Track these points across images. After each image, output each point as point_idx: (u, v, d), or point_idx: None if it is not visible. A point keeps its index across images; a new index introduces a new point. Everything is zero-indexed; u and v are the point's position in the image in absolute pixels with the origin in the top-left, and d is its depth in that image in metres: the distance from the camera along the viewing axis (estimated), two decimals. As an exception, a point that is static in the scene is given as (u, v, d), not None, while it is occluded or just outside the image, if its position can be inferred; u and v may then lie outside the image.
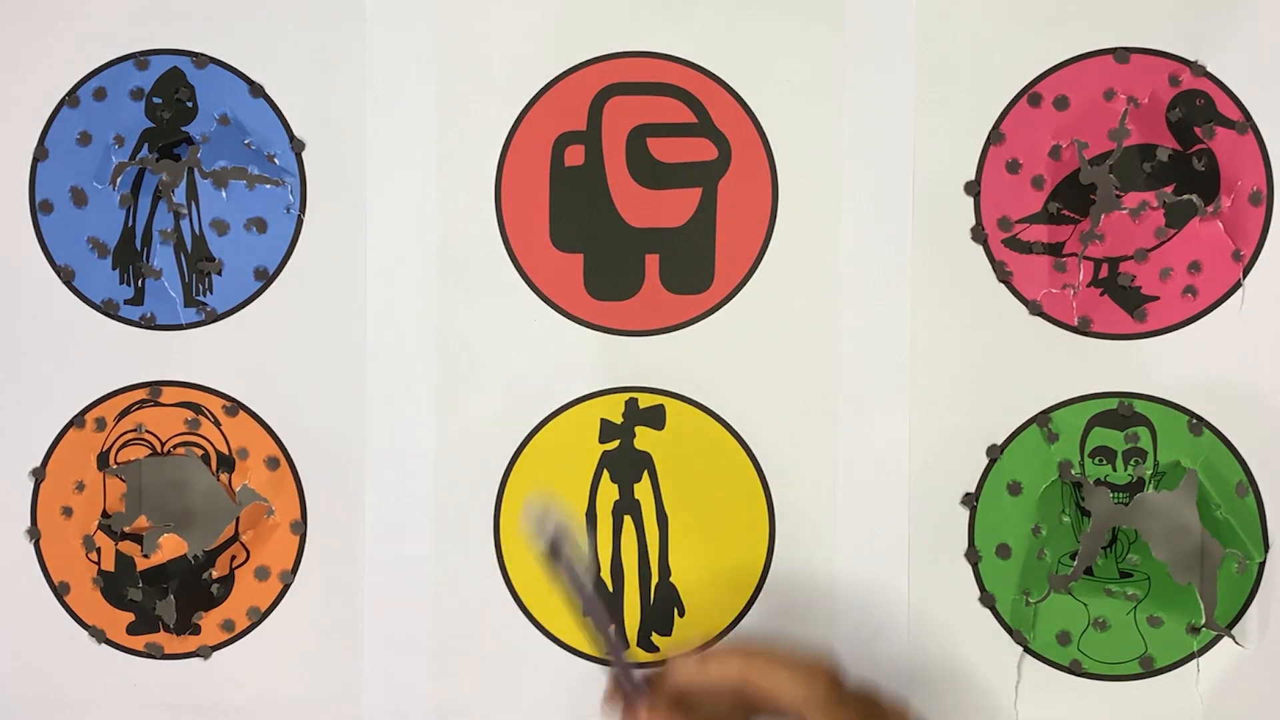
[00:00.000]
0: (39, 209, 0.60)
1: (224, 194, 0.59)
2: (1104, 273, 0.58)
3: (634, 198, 0.59)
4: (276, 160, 0.59)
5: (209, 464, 0.60)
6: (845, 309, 0.59)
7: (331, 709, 0.59)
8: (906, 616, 0.58)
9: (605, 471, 0.59)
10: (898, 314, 0.58)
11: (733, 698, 0.49)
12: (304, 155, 0.59)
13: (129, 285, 0.60)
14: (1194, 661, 0.58)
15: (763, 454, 0.59)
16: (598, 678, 0.59)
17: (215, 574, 0.60)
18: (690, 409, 0.59)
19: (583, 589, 0.49)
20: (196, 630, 0.60)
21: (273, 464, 0.59)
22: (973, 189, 0.58)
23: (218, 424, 0.60)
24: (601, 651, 0.53)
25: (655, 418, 0.59)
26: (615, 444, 0.59)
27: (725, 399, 0.59)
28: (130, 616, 0.60)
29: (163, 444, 0.60)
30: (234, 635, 0.60)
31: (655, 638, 0.59)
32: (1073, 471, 0.58)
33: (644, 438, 0.59)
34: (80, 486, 0.60)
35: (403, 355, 0.59)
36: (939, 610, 0.58)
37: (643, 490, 0.59)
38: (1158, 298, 0.58)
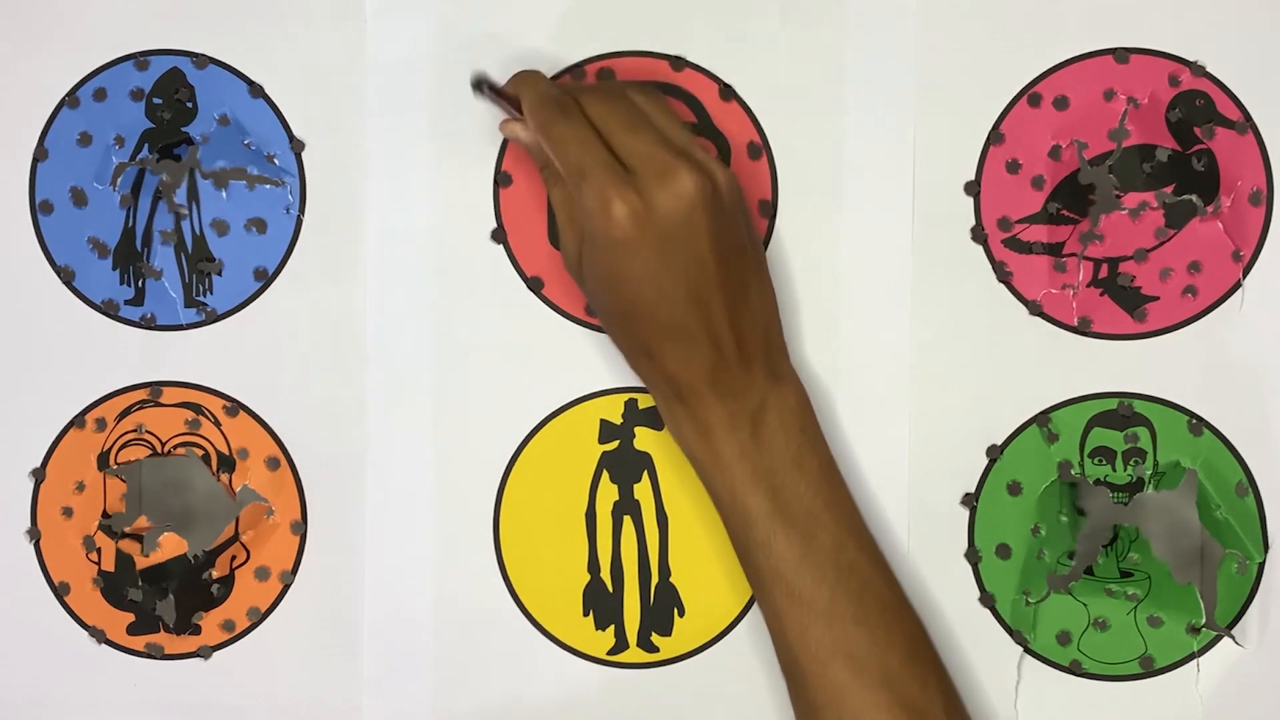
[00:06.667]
0: (39, 209, 0.60)
1: (224, 194, 0.59)
2: (1104, 273, 0.58)
3: (634, 198, 0.59)
4: (276, 161, 0.59)
5: (209, 464, 0.60)
6: (845, 309, 0.58)
7: (332, 709, 0.59)
8: (906, 616, 0.58)
9: (605, 472, 0.59)
10: (898, 314, 0.58)
11: None
12: (303, 155, 0.59)
13: (129, 286, 0.60)
14: (1194, 661, 0.58)
15: (763, 454, 0.59)
16: (599, 679, 0.59)
17: (215, 574, 0.60)
18: (690, 409, 0.59)
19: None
20: (197, 630, 0.60)
21: (273, 464, 0.59)
22: (973, 189, 0.58)
23: (218, 424, 0.60)
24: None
25: (655, 418, 0.59)
26: (615, 445, 0.59)
27: (725, 399, 0.59)
28: (130, 617, 0.60)
29: (163, 444, 0.60)
30: (234, 635, 0.60)
31: (655, 638, 0.59)
32: (1073, 472, 0.58)
33: (644, 438, 0.59)
34: (80, 487, 0.60)
35: (403, 355, 0.59)
36: (939, 610, 0.58)
37: (642, 491, 0.59)
38: (1158, 298, 0.58)
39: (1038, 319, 0.58)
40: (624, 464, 0.59)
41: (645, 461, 0.59)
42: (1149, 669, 0.58)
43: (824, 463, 0.55)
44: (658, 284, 0.51)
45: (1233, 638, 0.58)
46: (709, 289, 0.51)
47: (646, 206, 0.50)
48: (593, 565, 0.59)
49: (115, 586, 0.60)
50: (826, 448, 0.55)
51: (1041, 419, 0.58)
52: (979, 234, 0.58)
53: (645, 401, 0.59)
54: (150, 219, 0.60)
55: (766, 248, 0.59)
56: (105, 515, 0.60)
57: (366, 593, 0.59)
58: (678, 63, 0.59)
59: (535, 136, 0.53)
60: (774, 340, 0.55)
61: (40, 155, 0.60)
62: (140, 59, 0.60)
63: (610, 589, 0.59)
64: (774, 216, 0.59)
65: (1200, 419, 0.58)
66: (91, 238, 0.60)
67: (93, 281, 0.60)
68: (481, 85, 0.55)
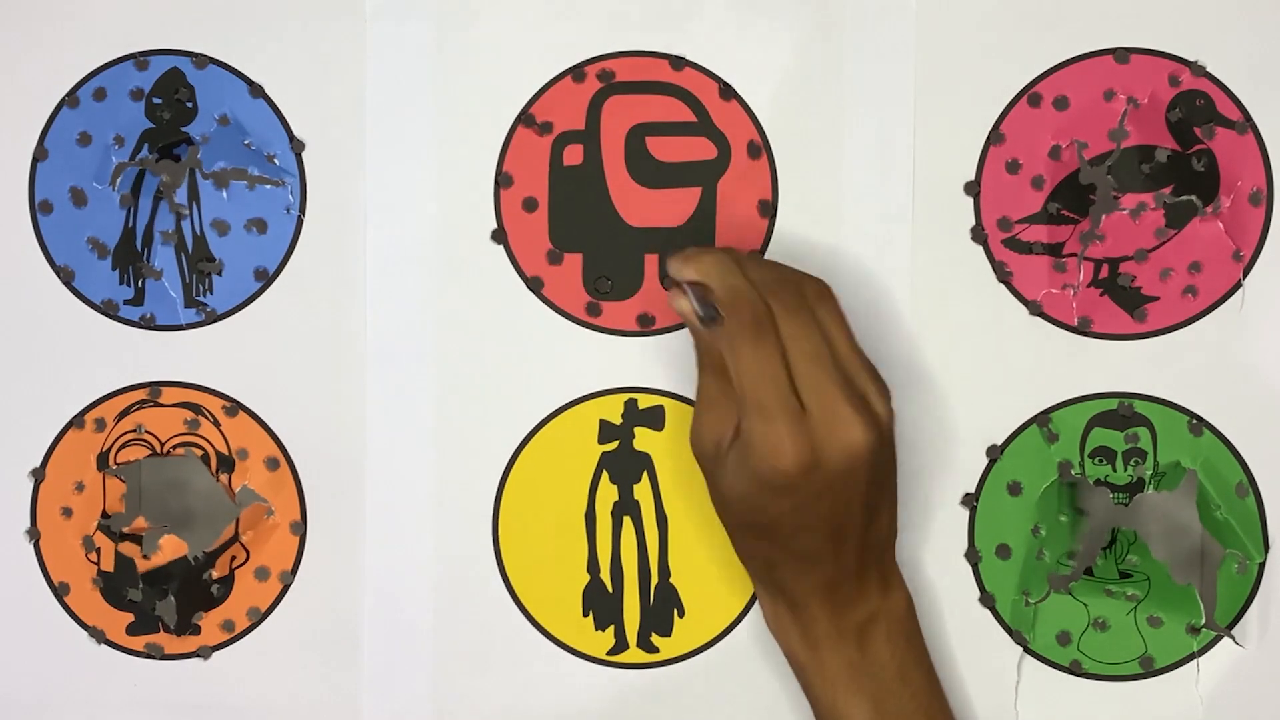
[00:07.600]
0: (39, 209, 0.60)
1: (225, 195, 0.59)
2: (1104, 273, 0.58)
3: (633, 197, 0.59)
4: (276, 161, 0.59)
5: (209, 464, 0.60)
6: (844, 309, 0.58)
7: (332, 709, 0.59)
8: (906, 617, 0.58)
9: (604, 472, 0.59)
10: (897, 314, 0.58)
11: None
12: (304, 155, 0.59)
13: (129, 286, 0.60)
14: (1194, 661, 0.58)
15: (762, 454, 0.59)
16: (599, 680, 0.59)
17: (215, 574, 0.60)
18: (690, 409, 0.59)
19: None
20: (196, 631, 0.60)
21: (272, 464, 0.59)
22: (973, 189, 0.58)
23: (217, 424, 0.60)
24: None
25: (654, 418, 0.59)
26: (614, 445, 0.59)
27: (725, 399, 0.59)
28: (130, 617, 0.60)
29: (162, 444, 0.60)
30: (234, 635, 0.60)
31: (655, 638, 0.59)
32: (1073, 472, 0.58)
33: (643, 438, 0.59)
34: (80, 487, 0.60)
35: (403, 355, 0.59)
36: (939, 610, 0.58)
37: (642, 491, 0.59)
38: (1158, 298, 0.58)
39: (1038, 319, 0.58)
40: (623, 464, 0.59)
41: (645, 462, 0.59)
42: (1149, 669, 0.58)
43: (926, 672, 0.55)
44: (802, 521, 0.51)
45: (1233, 638, 0.58)
46: (850, 526, 0.51)
47: (815, 459, 0.49)
48: (592, 566, 0.59)
49: (115, 586, 0.60)
50: (927, 654, 0.55)
51: (1041, 419, 0.58)
52: (979, 234, 0.58)
53: (645, 401, 0.59)
54: (151, 219, 0.60)
55: (766, 248, 0.59)
56: (105, 515, 0.60)
57: (366, 593, 0.59)
58: (678, 62, 0.59)
59: (714, 338, 0.51)
60: (888, 552, 0.55)
61: (40, 155, 0.60)
62: (140, 59, 0.60)
63: (610, 589, 0.59)
64: (774, 216, 0.59)
65: (1200, 419, 0.58)
66: (91, 238, 0.60)
67: (92, 281, 0.60)
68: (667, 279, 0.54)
